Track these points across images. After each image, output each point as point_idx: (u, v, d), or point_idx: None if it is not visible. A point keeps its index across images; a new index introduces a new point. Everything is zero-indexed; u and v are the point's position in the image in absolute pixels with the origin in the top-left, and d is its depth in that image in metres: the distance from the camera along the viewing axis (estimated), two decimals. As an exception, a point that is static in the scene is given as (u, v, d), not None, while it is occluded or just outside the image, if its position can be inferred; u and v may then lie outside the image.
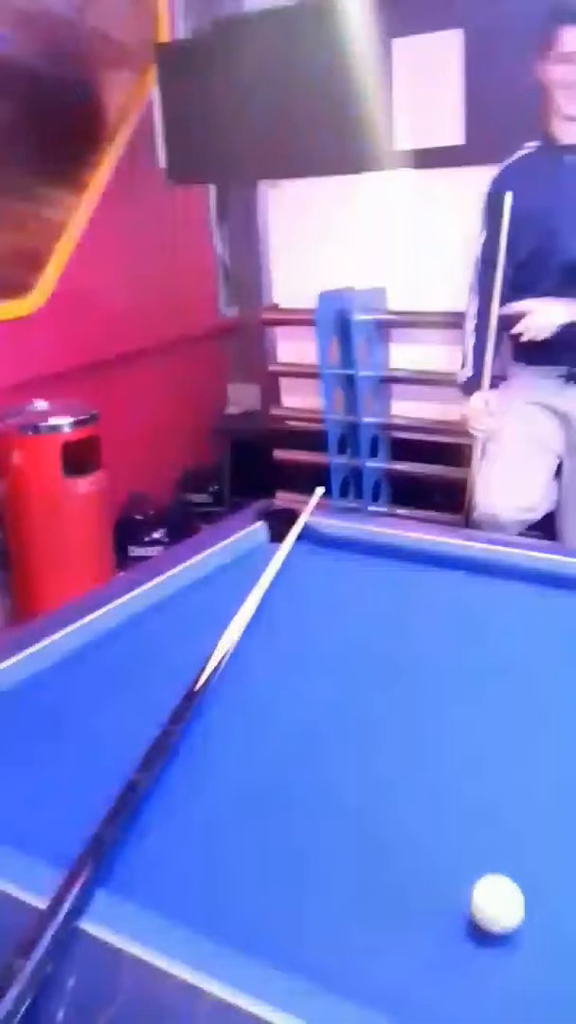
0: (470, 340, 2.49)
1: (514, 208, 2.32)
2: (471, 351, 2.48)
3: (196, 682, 1.32)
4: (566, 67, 2.17)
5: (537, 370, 2.43)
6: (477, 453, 2.54)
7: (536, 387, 2.44)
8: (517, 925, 0.92)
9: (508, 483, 2.42)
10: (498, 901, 0.93)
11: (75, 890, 0.94)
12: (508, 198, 2.25)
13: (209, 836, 1.10)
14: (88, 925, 0.92)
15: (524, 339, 2.30)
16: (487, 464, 2.50)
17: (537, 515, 2.46)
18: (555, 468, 2.49)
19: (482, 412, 2.43)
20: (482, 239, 2.46)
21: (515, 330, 2.32)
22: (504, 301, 2.38)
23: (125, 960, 0.88)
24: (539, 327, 2.27)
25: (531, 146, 2.38)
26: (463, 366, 2.51)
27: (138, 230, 3.81)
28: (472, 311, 2.49)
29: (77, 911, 0.93)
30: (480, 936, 0.93)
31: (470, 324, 2.49)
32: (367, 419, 3.68)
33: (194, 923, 0.91)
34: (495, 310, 2.36)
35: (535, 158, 2.36)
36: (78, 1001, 0.85)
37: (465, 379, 2.50)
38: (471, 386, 2.48)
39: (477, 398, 2.43)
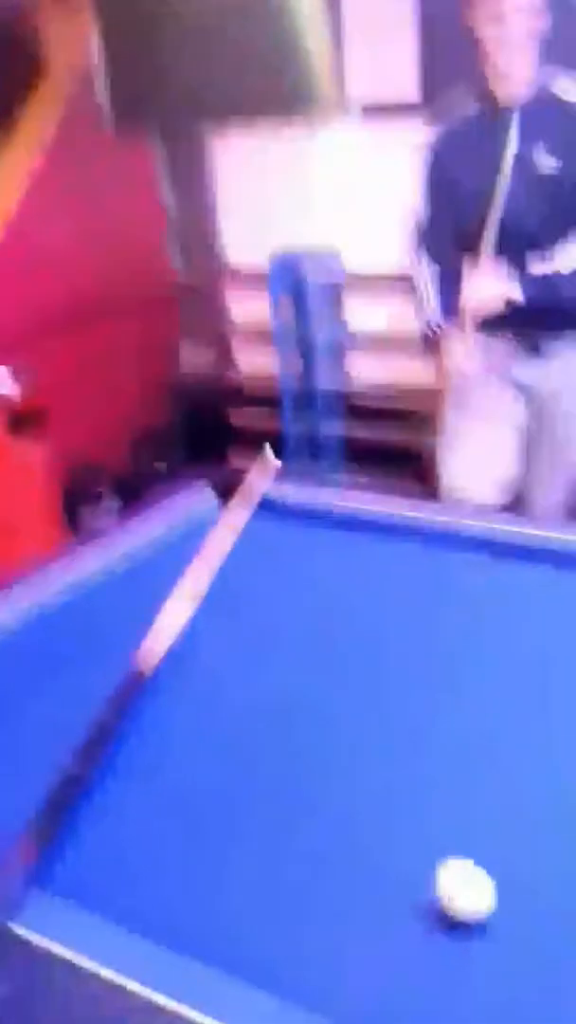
0: (428, 290, 2.38)
1: (456, 179, 2.25)
2: (433, 298, 2.38)
3: (137, 666, 1.26)
4: (492, 17, 2.07)
5: (493, 339, 2.36)
6: (445, 426, 2.46)
7: (492, 355, 2.37)
8: (488, 912, 0.89)
9: (478, 468, 2.37)
10: (468, 890, 0.90)
11: (5, 889, 0.89)
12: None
13: (154, 831, 1.05)
14: (19, 927, 0.86)
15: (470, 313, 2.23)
16: (454, 448, 2.44)
17: (509, 492, 2.42)
18: (519, 441, 2.45)
19: (463, 354, 2.32)
20: (425, 212, 2.37)
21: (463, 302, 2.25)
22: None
23: (59, 966, 0.83)
24: (483, 302, 2.21)
25: (467, 103, 2.28)
26: (425, 313, 2.40)
27: (83, 183, 3.65)
28: (422, 268, 2.39)
29: (7, 912, 0.87)
30: (451, 926, 0.90)
31: (423, 277, 2.39)
32: (323, 382, 3.61)
33: (136, 926, 0.87)
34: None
35: (473, 121, 2.27)
36: (5, 1011, 0.80)
37: (434, 325, 2.38)
38: (438, 335, 2.37)
39: (456, 340, 2.33)
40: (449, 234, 2.31)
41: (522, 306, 2.21)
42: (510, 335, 2.33)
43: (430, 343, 2.40)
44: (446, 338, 2.31)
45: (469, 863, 0.92)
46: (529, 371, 2.37)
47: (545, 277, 2.20)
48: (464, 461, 2.40)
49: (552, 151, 2.15)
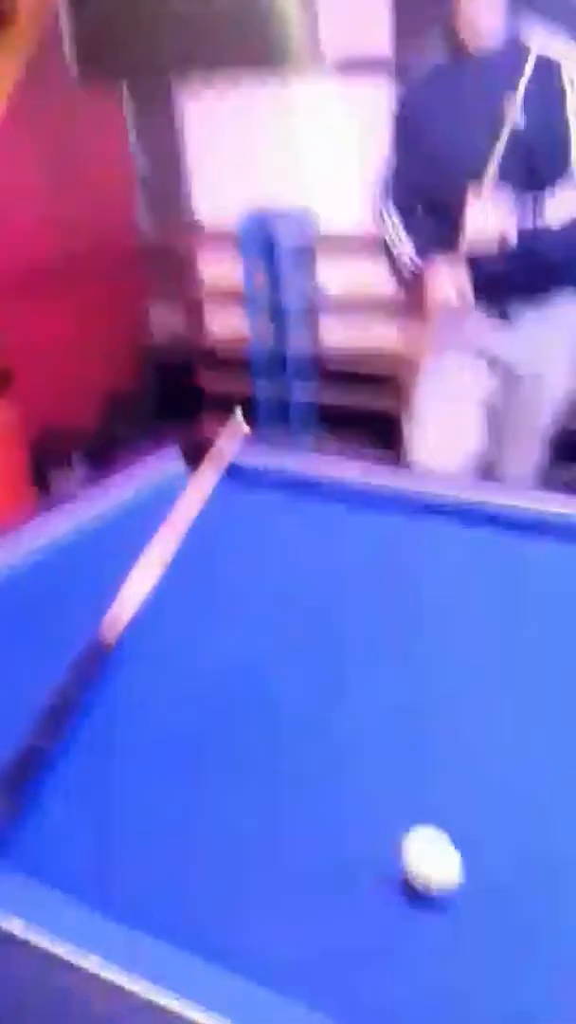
0: (398, 234, 2.31)
1: (425, 128, 2.20)
2: (406, 239, 2.30)
3: (101, 635, 1.24)
4: None
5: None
6: (412, 403, 2.42)
7: (461, 324, 2.31)
8: (454, 884, 0.89)
9: (445, 447, 2.33)
10: (433, 861, 0.90)
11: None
12: None
13: (117, 805, 1.03)
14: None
15: (468, 245, 2.16)
16: (420, 426, 2.40)
17: (477, 467, 2.40)
18: (486, 414, 2.41)
19: (451, 281, 2.25)
20: (393, 162, 2.31)
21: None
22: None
23: (16, 943, 0.81)
24: (482, 231, 2.15)
25: (437, 54, 2.22)
26: (399, 255, 2.32)
27: (49, 137, 3.55)
28: (390, 216, 2.34)
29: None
30: (412, 896, 0.89)
31: (391, 223, 2.32)
32: (295, 345, 3.56)
33: (98, 902, 0.85)
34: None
35: (445, 73, 2.21)
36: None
37: (414, 262, 2.29)
38: (417, 273, 2.29)
39: (442, 269, 2.24)
40: (416, 185, 2.26)
41: (494, 268, 2.17)
42: (479, 303, 2.28)
43: (409, 287, 2.33)
44: (430, 269, 2.24)
45: (436, 833, 0.91)
46: (497, 340, 2.33)
47: (527, 231, 2.13)
48: (431, 440, 2.37)
49: (522, 103, 2.09)
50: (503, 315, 2.31)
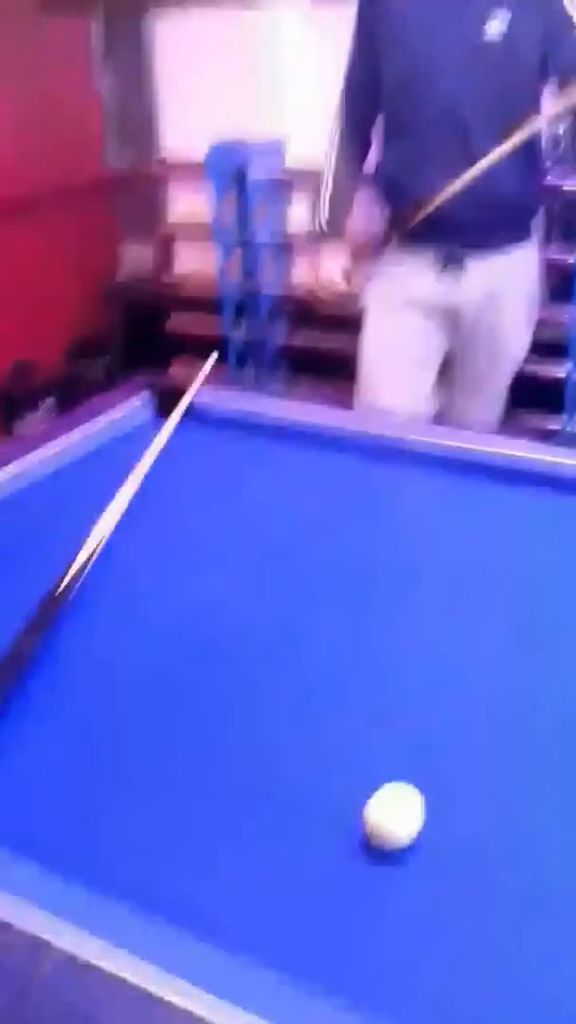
0: (327, 186, 2.24)
1: (385, 26, 2.05)
2: (327, 201, 2.24)
3: (60, 582, 1.19)
4: None
5: (411, 255, 2.19)
6: (360, 360, 2.33)
7: (411, 277, 2.21)
8: (413, 837, 0.86)
9: (396, 404, 2.20)
10: (392, 815, 0.87)
11: None
12: None
13: (70, 760, 0.99)
14: None
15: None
16: (370, 383, 2.29)
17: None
18: (437, 370, 2.32)
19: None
20: (349, 63, 2.17)
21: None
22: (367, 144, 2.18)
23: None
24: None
25: None
26: (315, 216, 2.27)
27: (10, 62, 3.38)
28: (332, 152, 2.23)
29: None
30: (377, 852, 0.86)
31: (328, 166, 2.23)
32: (266, 284, 3.47)
33: (45, 859, 0.81)
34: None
35: None
36: None
37: (319, 232, 2.26)
38: (327, 238, 2.27)
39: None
40: (372, 89, 2.13)
41: (456, 211, 2.05)
42: (431, 250, 2.17)
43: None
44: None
45: (401, 787, 0.89)
46: (444, 292, 2.21)
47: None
48: (383, 406, 2.25)
49: (502, 13, 1.96)
50: (457, 263, 2.17)
